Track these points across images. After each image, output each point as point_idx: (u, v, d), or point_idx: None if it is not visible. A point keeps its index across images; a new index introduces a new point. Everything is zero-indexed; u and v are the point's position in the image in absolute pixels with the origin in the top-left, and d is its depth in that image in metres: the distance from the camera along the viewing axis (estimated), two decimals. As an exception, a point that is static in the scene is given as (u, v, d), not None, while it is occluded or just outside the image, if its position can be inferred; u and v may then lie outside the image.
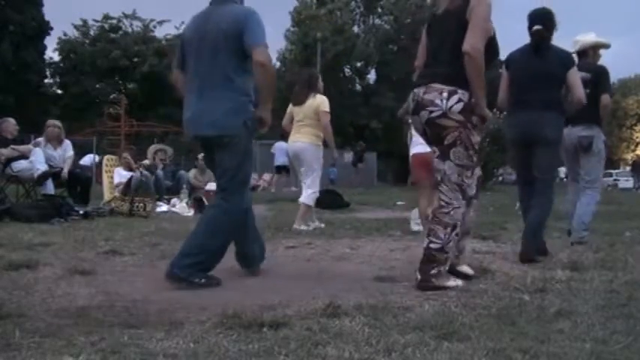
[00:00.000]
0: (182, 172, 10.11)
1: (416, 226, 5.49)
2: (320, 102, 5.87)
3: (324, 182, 6.88)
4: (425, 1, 36.02)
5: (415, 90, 3.02)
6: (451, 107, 2.87)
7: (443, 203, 2.95)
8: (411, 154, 5.34)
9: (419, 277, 2.86)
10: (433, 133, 2.98)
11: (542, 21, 4.08)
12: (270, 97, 3.09)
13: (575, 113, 4.12)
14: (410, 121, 4.13)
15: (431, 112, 2.92)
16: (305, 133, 5.89)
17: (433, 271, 2.84)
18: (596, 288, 2.81)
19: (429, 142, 3.09)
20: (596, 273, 3.19)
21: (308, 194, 5.86)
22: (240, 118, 3.06)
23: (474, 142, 2.94)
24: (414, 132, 4.96)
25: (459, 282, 2.91)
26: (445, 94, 2.88)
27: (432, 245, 2.89)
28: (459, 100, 2.87)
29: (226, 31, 3.02)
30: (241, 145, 3.09)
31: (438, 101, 2.89)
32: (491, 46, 2.95)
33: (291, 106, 6.06)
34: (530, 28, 4.10)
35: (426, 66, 3.13)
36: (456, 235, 2.93)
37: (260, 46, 2.99)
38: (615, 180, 35.82)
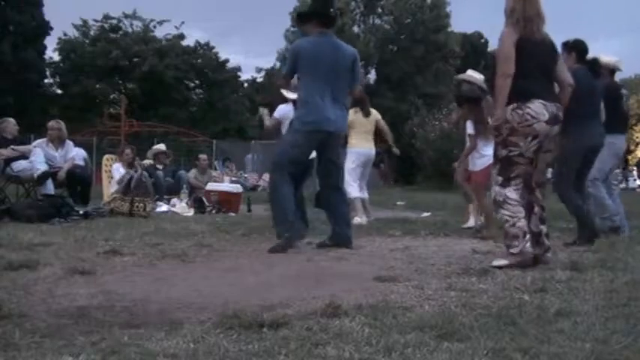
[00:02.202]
0: (182, 172, 10.11)
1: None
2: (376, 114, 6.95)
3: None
4: (425, 1, 36.04)
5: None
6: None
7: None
8: (476, 169, 5.53)
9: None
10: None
11: None
12: None
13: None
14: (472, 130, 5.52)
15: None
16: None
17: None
18: (596, 288, 2.81)
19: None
20: (596, 273, 3.19)
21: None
22: None
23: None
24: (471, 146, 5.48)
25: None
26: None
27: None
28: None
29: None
30: None
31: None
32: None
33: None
34: (586, 54, 4.82)
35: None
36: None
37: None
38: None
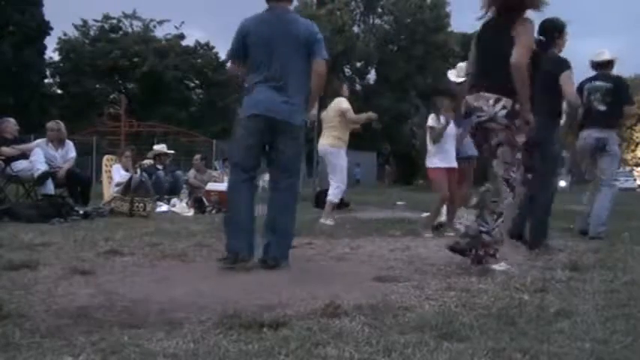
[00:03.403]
0: (178, 172, 10.11)
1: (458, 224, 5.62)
2: (337, 102, 6.48)
3: (326, 183, 7.14)
4: (425, 1, 36.04)
5: (467, 97, 3.48)
6: (497, 113, 3.33)
7: (493, 195, 3.38)
8: (431, 166, 5.51)
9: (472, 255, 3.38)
10: (481, 135, 3.47)
11: None
12: None
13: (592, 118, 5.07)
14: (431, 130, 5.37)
15: (479, 116, 3.39)
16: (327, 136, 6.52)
17: (480, 252, 3.33)
18: (596, 288, 2.82)
19: (478, 144, 3.62)
20: (596, 273, 3.20)
21: (333, 191, 6.43)
22: None
23: (518, 142, 3.37)
24: (429, 143, 5.47)
25: (507, 267, 3.33)
26: (491, 102, 3.34)
27: (481, 228, 3.34)
28: (503, 107, 3.32)
29: None
30: None
31: (485, 107, 3.35)
32: (534, 59, 3.33)
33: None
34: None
35: (476, 76, 3.56)
36: (502, 222, 3.37)
37: None
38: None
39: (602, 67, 5.34)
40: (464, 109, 3.55)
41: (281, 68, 3.54)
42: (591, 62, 5.39)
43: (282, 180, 3.64)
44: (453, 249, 3.46)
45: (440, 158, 5.39)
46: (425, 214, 7.60)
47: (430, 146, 5.48)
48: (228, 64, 3.83)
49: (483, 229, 3.35)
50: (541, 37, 4.23)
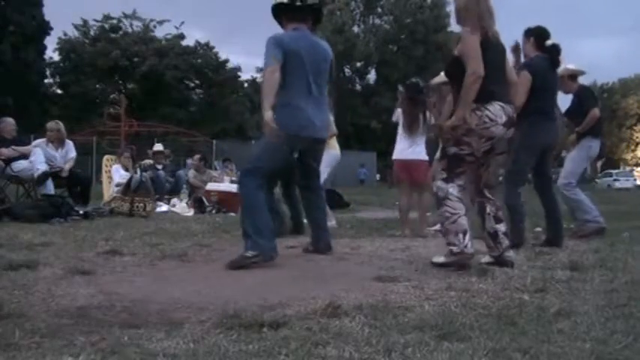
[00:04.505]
0: (181, 172, 10.13)
1: None
2: None
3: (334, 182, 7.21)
4: (425, 1, 36.05)
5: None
6: None
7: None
8: (393, 158, 5.67)
9: None
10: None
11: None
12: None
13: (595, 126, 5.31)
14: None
15: None
16: None
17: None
18: (596, 288, 2.82)
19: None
20: (596, 273, 3.20)
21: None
22: None
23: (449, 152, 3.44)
24: (398, 138, 5.56)
25: (444, 259, 3.40)
26: None
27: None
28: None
29: None
30: None
31: None
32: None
33: None
34: (545, 40, 4.48)
35: None
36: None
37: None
38: (615, 179, 35.97)
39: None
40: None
41: (321, 85, 3.86)
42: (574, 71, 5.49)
43: (313, 182, 4.15)
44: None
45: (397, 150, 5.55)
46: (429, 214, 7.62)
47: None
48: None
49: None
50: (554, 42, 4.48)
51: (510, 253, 3.50)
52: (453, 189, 3.41)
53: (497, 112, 3.35)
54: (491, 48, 3.40)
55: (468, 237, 3.36)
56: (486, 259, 3.54)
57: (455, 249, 3.35)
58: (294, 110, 3.69)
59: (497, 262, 3.44)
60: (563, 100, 5.38)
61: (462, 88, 3.30)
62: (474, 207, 3.62)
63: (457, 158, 3.43)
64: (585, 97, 5.44)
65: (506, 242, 3.50)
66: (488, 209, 3.53)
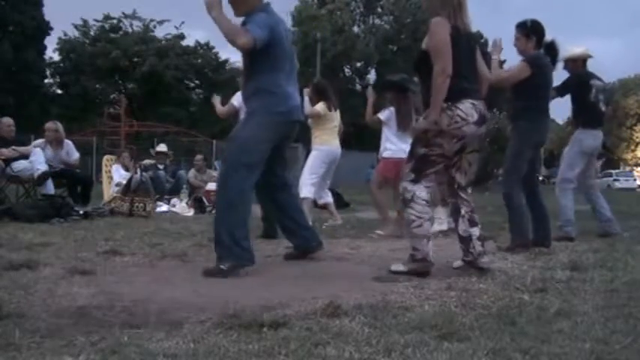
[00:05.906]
0: (181, 172, 10.12)
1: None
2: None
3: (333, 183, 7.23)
4: (425, 1, 36.01)
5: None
6: None
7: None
8: (386, 156, 5.56)
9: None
10: None
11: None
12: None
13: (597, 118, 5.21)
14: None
15: None
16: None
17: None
18: (596, 288, 2.82)
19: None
20: (596, 273, 3.20)
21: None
22: None
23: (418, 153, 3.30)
24: (389, 137, 5.49)
25: (404, 267, 3.27)
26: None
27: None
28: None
29: None
30: None
31: None
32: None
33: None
34: (543, 37, 4.42)
35: None
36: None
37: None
38: (615, 180, 35.98)
39: (583, 63, 5.29)
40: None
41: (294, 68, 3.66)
42: (574, 59, 5.24)
43: (286, 176, 3.78)
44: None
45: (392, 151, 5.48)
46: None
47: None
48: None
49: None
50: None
51: (485, 259, 3.29)
52: (420, 191, 3.25)
53: (468, 110, 3.19)
54: (463, 41, 3.23)
55: (430, 244, 3.27)
56: (458, 263, 3.40)
57: (418, 255, 3.23)
58: (283, 95, 3.46)
59: (472, 267, 3.28)
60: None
61: (432, 88, 3.15)
62: (448, 207, 3.54)
63: (426, 159, 3.26)
64: (576, 82, 5.20)
65: (479, 248, 3.28)
66: (462, 211, 3.35)
